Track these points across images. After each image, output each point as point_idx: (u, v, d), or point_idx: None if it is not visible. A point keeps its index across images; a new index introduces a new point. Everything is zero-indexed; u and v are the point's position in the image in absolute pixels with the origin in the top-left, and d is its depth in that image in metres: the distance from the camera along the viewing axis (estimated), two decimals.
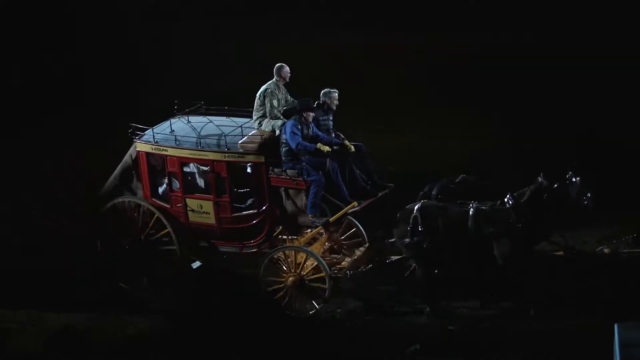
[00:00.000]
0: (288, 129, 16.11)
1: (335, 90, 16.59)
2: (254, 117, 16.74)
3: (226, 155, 16.39)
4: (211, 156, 16.49)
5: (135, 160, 17.18)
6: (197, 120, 17.29)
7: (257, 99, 16.67)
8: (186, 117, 17.34)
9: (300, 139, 16.05)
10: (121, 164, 17.45)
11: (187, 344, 15.78)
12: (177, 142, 16.68)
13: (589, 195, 15.18)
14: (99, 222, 17.39)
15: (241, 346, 15.53)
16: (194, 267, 17.15)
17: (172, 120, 17.27)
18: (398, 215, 16.04)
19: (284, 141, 16.19)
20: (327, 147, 16.13)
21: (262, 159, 16.26)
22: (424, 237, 15.63)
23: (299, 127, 16.13)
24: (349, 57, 21.76)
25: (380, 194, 16.44)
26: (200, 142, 16.53)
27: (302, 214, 16.31)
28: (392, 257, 16.49)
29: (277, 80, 16.68)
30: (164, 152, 16.82)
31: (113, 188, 17.45)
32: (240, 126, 16.65)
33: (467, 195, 15.89)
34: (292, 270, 16.24)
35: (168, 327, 16.17)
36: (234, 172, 16.62)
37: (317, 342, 15.64)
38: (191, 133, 16.81)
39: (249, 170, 16.91)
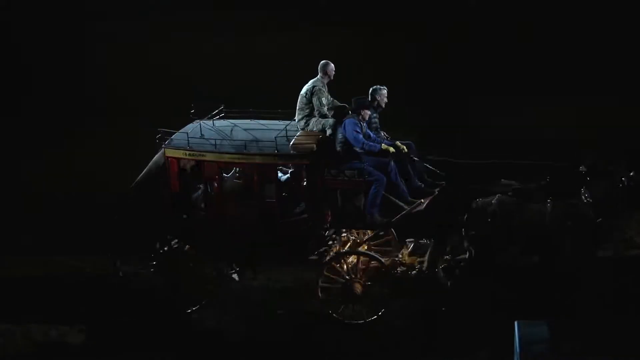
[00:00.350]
0: (349, 128, 15.43)
1: (384, 87, 16.03)
2: (299, 117, 15.98)
3: (277, 157, 15.50)
4: (258, 159, 15.55)
5: (162, 167, 15.99)
6: (223, 124, 16.31)
7: (301, 97, 15.93)
8: (211, 121, 16.35)
9: (362, 138, 15.44)
10: (145, 171, 16.24)
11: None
12: (216, 147, 15.64)
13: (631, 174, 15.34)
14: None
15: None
16: (236, 278, 16.17)
17: (199, 124, 16.18)
18: (471, 207, 15.50)
19: (342, 140, 15.50)
20: (392, 148, 15.60)
21: (319, 161, 15.48)
22: (498, 232, 15.33)
23: (359, 125, 15.51)
24: (348, 56, 21.23)
25: (436, 191, 16.02)
26: (245, 146, 15.56)
27: (360, 216, 15.65)
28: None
29: (321, 77, 16.00)
30: (201, 158, 15.72)
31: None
32: (285, 127, 15.83)
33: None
34: (353, 276, 15.61)
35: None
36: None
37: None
38: (226, 137, 15.81)
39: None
